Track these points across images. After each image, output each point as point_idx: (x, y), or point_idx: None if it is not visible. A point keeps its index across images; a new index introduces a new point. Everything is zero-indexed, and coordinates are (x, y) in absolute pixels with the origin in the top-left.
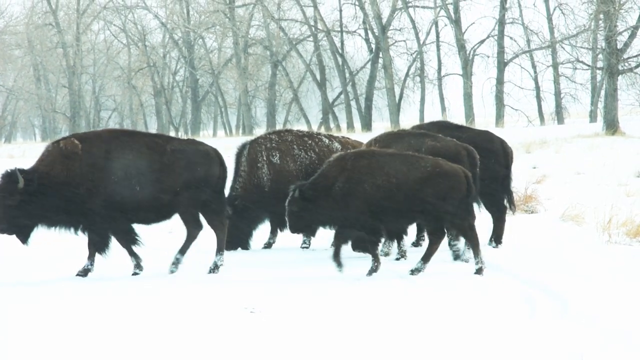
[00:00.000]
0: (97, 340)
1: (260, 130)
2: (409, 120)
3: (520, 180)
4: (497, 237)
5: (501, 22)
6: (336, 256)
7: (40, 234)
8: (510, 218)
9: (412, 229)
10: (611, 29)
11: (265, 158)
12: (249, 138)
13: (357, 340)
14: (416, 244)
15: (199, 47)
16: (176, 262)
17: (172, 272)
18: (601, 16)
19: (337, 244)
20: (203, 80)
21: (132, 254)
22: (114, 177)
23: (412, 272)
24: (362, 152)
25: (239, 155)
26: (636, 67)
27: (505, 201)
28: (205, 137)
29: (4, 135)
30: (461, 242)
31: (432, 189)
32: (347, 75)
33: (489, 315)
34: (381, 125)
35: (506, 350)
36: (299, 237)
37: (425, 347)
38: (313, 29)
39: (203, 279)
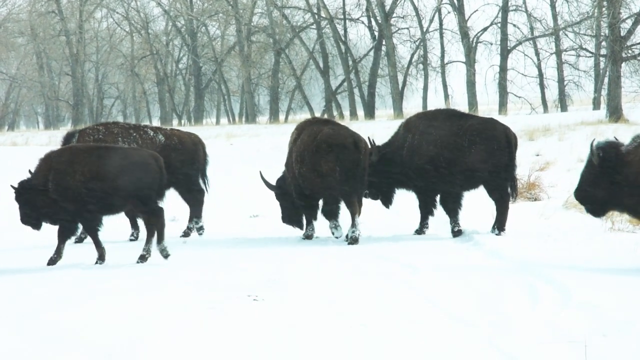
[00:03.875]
0: (99, 329)
1: (263, 118)
2: (412, 107)
3: (523, 167)
4: (500, 224)
5: (504, 9)
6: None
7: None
8: (513, 205)
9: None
10: (614, 16)
11: None
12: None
13: (360, 329)
14: (419, 231)
15: (202, 35)
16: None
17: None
18: (604, 3)
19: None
20: (206, 68)
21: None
22: None
23: None
24: (64, 148)
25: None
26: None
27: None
28: (209, 124)
29: (7, 123)
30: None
31: (125, 180)
32: (350, 62)
33: (491, 304)
34: (384, 112)
35: (509, 339)
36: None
37: (427, 336)
38: (316, 16)
39: (206, 266)
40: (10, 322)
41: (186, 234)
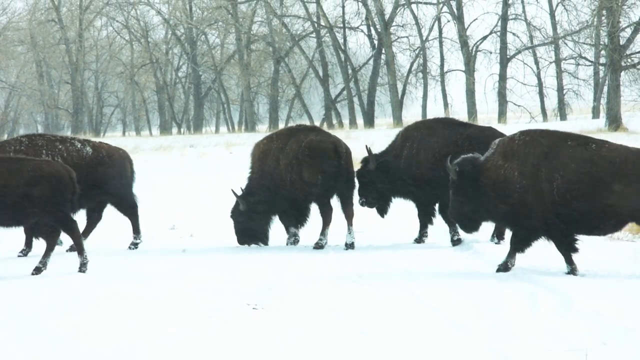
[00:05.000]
0: (100, 335)
1: (262, 127)
2: (411, 116)
3: None
4: (499, 233)
5: (504, 18)
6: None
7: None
8: None
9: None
10: (614, 24)
11: None
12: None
13: (360, 336)
14: (419, 240)
15: (201, 44)
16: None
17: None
18: (604, 12)
19: None
20: (206, 76)
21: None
22: None
23: None
24: None
25: None
26: (639, 63)
27: None
28: (208, 133)
29: (7, 131)
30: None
31: (36, 191)
32: (350, 71)
33: (492, 311)
34: (384, 121)
35: (509, 346)
36: (303, 234)
37: (427, 342)
38: (316, 25)
39: (206, 275)
40: (11, 328)
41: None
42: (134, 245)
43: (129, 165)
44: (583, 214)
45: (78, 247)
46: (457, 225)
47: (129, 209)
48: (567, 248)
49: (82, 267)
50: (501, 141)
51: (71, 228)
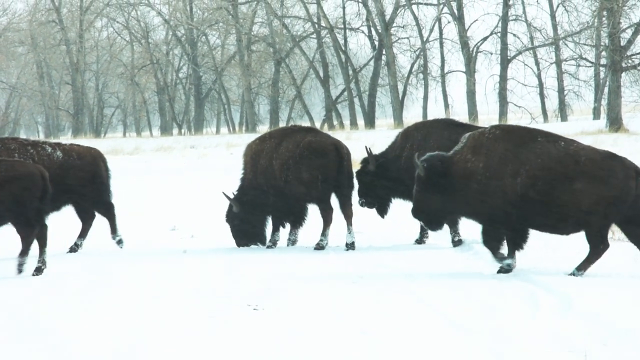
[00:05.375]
0: (100, 336)
1: (263, 127)
2: (412, 117)
3: None
4: None
5: (504, 19)
6: None
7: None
8: None
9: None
10: (614, 25)
11: None
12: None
13: (360, 336)
14: (419, 241)
15: (202, 44)
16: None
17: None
18: (604, 13)
19: None
20: (206, 77)
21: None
22: None
23: None
24: None
25: None
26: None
27: None
28: (209, 134)
29: (8, 132)
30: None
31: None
32: (351, 72)
33: (493, 313)
34: (384, 122)
35: (509, 347)
36: (306, 235)
37: (428, 343)
38: (316, 26)
39: (206, 276)
40: (11, 329)
41: (73, 249)
42: (119, 242)
43: (102, 164)
44: (545, 211)
45: (23, 249)
46: (421, 224)
47: (105, 208)
48: (515, 244)
49: (19, 267)
50: (471, 135)
51: (27, 231)
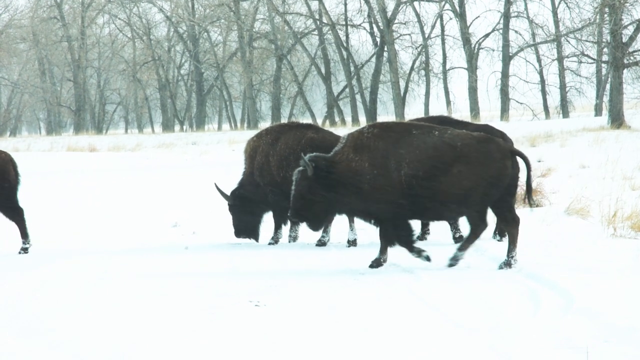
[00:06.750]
0: (101, 334)
1: (265, 124)
2: (414, 113)
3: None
4: (500, 230)
5: (506, 16)
6: None
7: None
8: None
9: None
10: (616, 22)
11: None
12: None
13: (361, 333)
14: (421, 237)
15: (203, 41)
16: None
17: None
18: (606, 9)
19: None
20: (208, 73)
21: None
22: None
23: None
24: None
25: None
26: None
27: None
28: (211, 130)
29: (9, 128)
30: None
31: None
32: (352, 68)
33: (493, 310)
34: (386, 118)
35: (510, 344)
36: (307, 232)
37: (428, 340)
38: (318, 22)
39: (208, 272)
40: (11, 329)
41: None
42: (24, 250)
43: (12, 168)
44: (431, 198)
45: None
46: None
47: (13, 213)
48: (407, 239)
49: None
50: (350, 135)
51: None
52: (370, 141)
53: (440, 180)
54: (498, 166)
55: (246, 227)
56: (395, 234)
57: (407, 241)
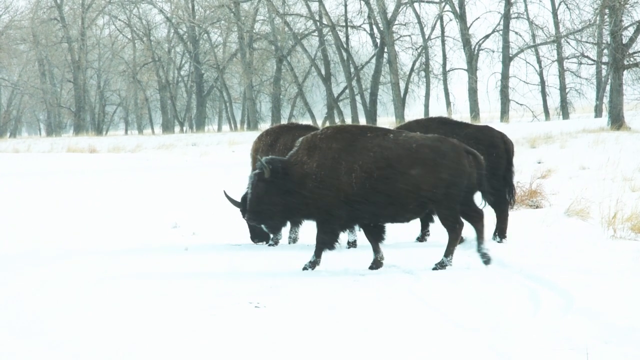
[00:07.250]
0: (101, 334)
1: (265, 125)
2: (414, 114)
3: (525, 174)
4: (501, 231)
5: (506, 17)
6: None
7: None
8: (515, 213)
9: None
10: (616, 23)
11: None
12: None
13: (362, 334)
14: (421, 239)
15: (203, 42)
16: None
17: None
18: (606, 11)
19: None
20: (208, 75)
21: None
22: None
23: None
24: None
25: None
26: None
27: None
28: (211, 131)
29: (9, 129)
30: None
31: None
32: (352, 70)
33: (493, 310)
34: (386, 119)
35: (510, 345)
36: (307, 233)
37: (428, 341)
38: (318, 23)
39: (208, 272)
40: (11, 329)
41: None
42: None
43: None
44: (385, 202)
45: None
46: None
47: None
48: (377, 237)
49: None
50: (305, 138)
51: None
52: (323, 143)
53: (396, 182)
54: (454, 166)
55: (261, 231)
56: (320, 236)
57: (325, 246)
